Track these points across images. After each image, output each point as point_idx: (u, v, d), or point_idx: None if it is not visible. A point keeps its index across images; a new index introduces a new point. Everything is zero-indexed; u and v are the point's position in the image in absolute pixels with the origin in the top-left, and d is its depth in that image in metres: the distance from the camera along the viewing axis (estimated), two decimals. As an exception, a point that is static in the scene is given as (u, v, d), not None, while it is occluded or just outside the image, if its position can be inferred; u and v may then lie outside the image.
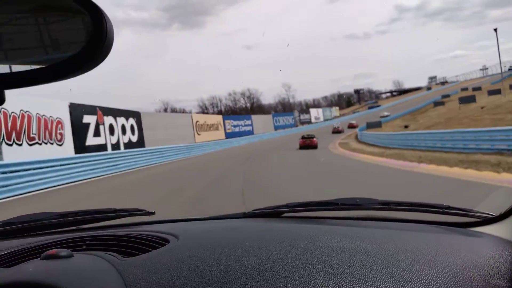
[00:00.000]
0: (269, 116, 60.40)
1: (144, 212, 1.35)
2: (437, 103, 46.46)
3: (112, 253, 0.82)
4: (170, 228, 1.07)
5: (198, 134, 33.52)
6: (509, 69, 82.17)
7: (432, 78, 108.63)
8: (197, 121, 34.15)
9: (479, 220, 1.01)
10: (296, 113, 66.59)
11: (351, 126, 46.85)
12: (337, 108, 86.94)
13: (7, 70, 0.43)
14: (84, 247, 0.93)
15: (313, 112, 72.71)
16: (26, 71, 0.43)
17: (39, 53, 0.44)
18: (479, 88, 55.17)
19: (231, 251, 0.78)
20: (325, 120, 72.20)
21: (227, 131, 41.60)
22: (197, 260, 0.74)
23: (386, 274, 0.65)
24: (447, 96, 57.68)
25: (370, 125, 37.04)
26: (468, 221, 1.04)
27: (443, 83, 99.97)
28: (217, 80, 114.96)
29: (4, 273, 0.68)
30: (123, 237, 0.95)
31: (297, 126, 61.34)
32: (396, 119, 43.57)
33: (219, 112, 67.23)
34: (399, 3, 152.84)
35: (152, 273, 0.69)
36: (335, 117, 77.18)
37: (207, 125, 36.70)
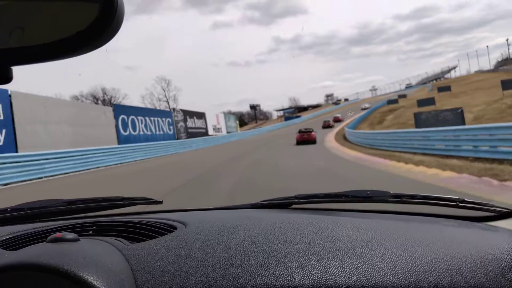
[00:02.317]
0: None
1: (152, 201, 1.35)
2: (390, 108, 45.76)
3: (119, 239, 0.82)
4: (178, 216, 1.05)
5: None
6: (406, 87, 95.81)
7: (329, 96, 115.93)
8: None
9: (495, 214, 1.00)
10: (179, 116, 33.41)
11: (337, 120, 48.08)
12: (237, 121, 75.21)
13: (14, 45, 0.41)
14: (90, 232, 0.91)
15: (211, 118, 41.96)
16: (33, 46, 0.41)
17: (47, 29, 0.41)
18: (404, 96, 59.56)
19: (241, 238, 0.78)
20: (229, 133, 46.18)
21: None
22: (205, 247, 0.74)
23: (399, 264, 0.65)
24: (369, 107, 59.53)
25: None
26: (483, 215, 1.02)
27: (339, 101, 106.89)
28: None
29: (9, 255, 0.68)
30: (131, 224, 0.95)
31: (178, 138, 31.78)
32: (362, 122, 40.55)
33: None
34: (277, 35, 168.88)
35: (159, 258, 0.69)
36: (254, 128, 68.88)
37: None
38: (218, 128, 43.60)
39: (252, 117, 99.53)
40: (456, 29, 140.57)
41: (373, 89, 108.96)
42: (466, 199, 1.04)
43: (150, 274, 0.64)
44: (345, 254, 0.68)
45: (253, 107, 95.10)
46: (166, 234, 0.85)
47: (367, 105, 58.13)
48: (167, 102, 53.90)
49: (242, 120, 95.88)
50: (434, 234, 0.80)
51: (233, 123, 52.00)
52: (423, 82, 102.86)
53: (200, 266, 0.65)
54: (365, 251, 0.69)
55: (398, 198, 1.11)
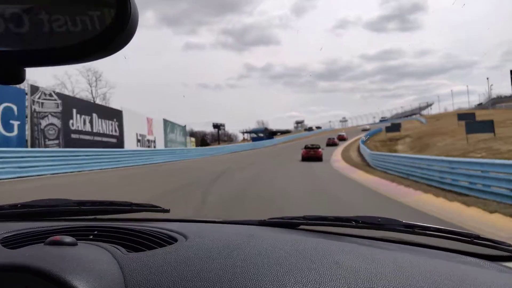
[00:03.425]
0: None
1: (159, 208, 1.35)
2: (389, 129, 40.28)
3: (117, 246, 0.81)
4: (181, 227, 1.04)
5: None
6: (380, 120, 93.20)
7: (299, 123, 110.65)
8: None
9: (511, 254, 0.97)
10: (47, 105, 16.38)
11: (341, 139, 45.72)
12: (193, 139, 57.65)
13: (28, 48, 0.41)
14: (91, 237, 0.92)
15: (137, 123, 25.71)
16: (46, 50, 0.41)
17: (61, 33, 0.41)
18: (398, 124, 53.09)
19: (239, 258, 0.76)
20: (169, 149, 29.64)
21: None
22: (202, 263, 0.72)
23: None
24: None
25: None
26: (498, 254, 0.98)
27: (311, 128, 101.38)
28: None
29: (7, 254, 0.70)
30: (132, 231, 0.94)
31: (36, 146, 15.52)
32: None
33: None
34: (248, 62, 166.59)
35: (153, 271, 0.68)
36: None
37: None
38: (149, 140, 27.20)
39: (215, 138, 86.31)
40: (418, 74, 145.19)
41: (344, 120, 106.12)
42: (481, 236, 1.01)
43: (142, 287, 0.63)
44: (346, 285, 0.64)
45: (216, 126, 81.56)
46: (166, 246, 0.84)
47: (367, 127, 55.49)
48: (93, 101, 38.39)
49: (204, 140, 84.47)
50: (444, 272, 0.75)
51: (180, 137, 36.76)
52: (403, 116, 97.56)
53: (193, 284, 0.63)
54: (368, 284, 0.65)
55: (410, 228, 1.08)
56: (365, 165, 19.12)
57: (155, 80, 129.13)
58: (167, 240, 0.89)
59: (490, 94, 74.59)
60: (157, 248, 0.82)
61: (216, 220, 1.33)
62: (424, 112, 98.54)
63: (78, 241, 0.75)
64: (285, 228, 1.20)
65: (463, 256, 0.96)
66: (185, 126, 39.45)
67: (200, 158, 28.54)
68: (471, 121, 22.04)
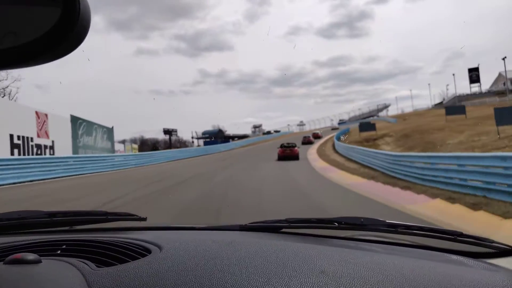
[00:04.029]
0: None
1: (135, 217, 1.30)
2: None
3: (86, 261, 0.77)
4: (157, 236, 1.01)
5: None
6: (339, 123, 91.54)
7: (257, 127, 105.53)
8: None
9: (495, 251, 0.96)
10: None
11: (316, 137, 45.75)
12: (136, 145, 51.37)
13: None
14: (58, 252, 0.86)
15: (23, 119, 16.28)
16: None
17: (1, 34, 0.36)
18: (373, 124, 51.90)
19: (217, 268, 0.72)
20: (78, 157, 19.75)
21: None
22: (176, 276, 0.68)
23: None
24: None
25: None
26: (482, 251, 0.98)
27: (269, 132, 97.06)
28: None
29: None
30: (103, 244, 0.90)
31: None
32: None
33: None
34: (202, 67, 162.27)
35: (124, 287, 0.65)
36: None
37: None
38: (39, 146, 18.28)
39: (168, 144, 76.87)
40: (367, 79, 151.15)
41: (301, 124, 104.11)
42: (464, 233, 1.00)
43: None
44: None
45: (167, 132, 72.20)
46: (139, 258, 0.80)
47: (337, 126, 54.89)
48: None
49: (156, 147, 74.15)
50: (428, 272, 0.74)
51: (104, 141, 27.84)
52: (361, 118, 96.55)
53: None
54: None
55: (393, 228, 1.06)
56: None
57: (103, 87, 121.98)
58: (141, 252, 0.84)
59: (447, 94, 76.58)
60: (129, 261, 0.78)
61: (195, 226, 1.31)
62: (382, 113, 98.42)
63: (43, 258, 0.70)
64: (267, 233, 1.17)
65: (447, 255, 0.95)
66: (112, 128, 30.13)
67: (109, 173, 19.72)
68: (500, 108, 15.96)
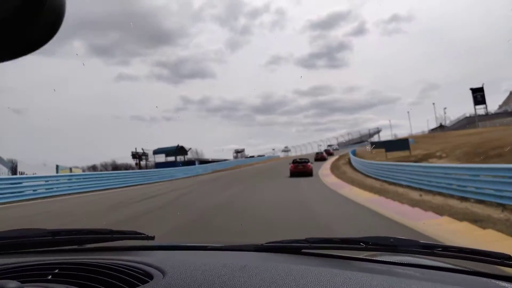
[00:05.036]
0: None
1: (142, 235, 1.21)
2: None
3: None
4: (162, 259, 0.94)
5: None
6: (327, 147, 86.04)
7: (239, 152, 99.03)
8: None
9: None
10: None
11: (329, 153, 44.24)
12: (79, 168, 40.96)
13: None
14: (49, 276, 0.80)
15: None
16: None
17: None
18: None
19: None
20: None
21: None
22: None
23: None
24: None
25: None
26: None
27: (252, 156, 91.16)
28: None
29: None
30: (101, 267, 0.83)
31: None
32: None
33: None
34: (184, 94, 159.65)
35: None
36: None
37: None
38: None
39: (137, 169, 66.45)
40: (347, 109, 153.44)
41: (286, 150, 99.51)
42: None
43: None
44: None
45: (136, 155, 61.86)
46: (138, 285, 0.74)
47: (336, 147, 49.18)
48: None
49: (127, 168, 63.69)
50: None
51: None
52: (350, 143, 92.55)
53: None
54: None
55: (429, 249, 0.95)
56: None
57: (82, 112, 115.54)
58: (142, 277, 0.78)
59: (444, 117, 73.46)
60: None
61: (207, 245, 1.20)
62: (374, 138, 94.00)
63: (28, 285, 0.65)
64: (286, 254, 1.07)
65: (494, 281, 0.84)
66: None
67: None
68: None
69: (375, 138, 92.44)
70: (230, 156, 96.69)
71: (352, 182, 14.68)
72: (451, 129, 62.74)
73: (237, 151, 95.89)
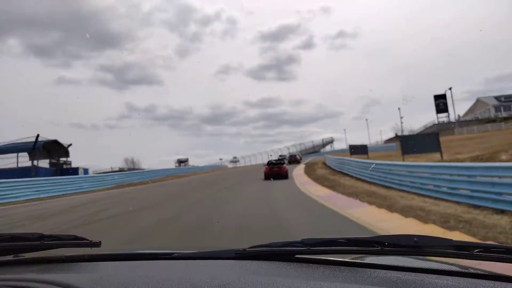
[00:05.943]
0: None
1: (84, 242, 0.97)
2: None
3: None
4: (104, 276, 0.71)
5: None
6: (279, 158, 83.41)
7: (182, 162, 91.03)
8: None
9: None
10: None
11: (295, 160, 40.52)
12: None
13: None
14: None
15: None
16: None
17: None
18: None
19: None
20: None
21: None
22: None
23: None
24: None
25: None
26: None
27: (195, 167, 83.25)
28: None
29: None
30: None
31: None
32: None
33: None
34: (129, 101, 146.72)
35: None
36: None
37: None
38: None
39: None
40: (294, 122, 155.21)
41: (235, 161, 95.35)
42: None
43: None
44: None
45: (55, 164, 48.04)
46: None
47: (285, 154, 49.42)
48: None
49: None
50: None
51: None
52: (306, 153, 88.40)
53: None
54: None
55: (464, 249, 0.75)
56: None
57: (18, 117, 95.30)
58: None
59: (401, 127, 71.63)
60: None
61: (174, 252, 0.91)
62: (327, 148, 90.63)
63: None
64: (276, 261, 0.84)
65: None
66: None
67: None
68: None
69: (328, 148, 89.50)
70: (172, 166, 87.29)
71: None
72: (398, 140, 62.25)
73: (180, 161, 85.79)
